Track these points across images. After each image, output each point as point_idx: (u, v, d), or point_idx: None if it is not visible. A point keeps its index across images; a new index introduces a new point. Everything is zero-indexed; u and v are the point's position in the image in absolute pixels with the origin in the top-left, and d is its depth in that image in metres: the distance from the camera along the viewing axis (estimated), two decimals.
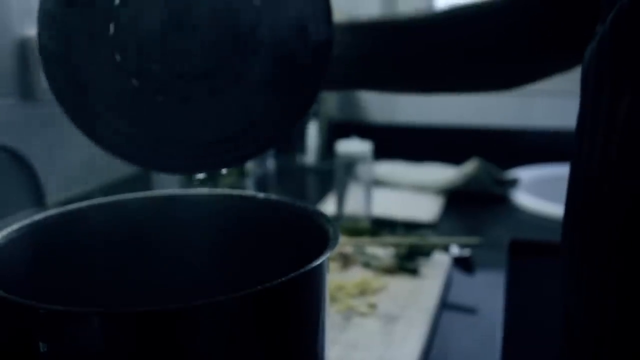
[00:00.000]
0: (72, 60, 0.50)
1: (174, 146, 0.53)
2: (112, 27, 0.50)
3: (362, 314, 0.80)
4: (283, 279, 0.38)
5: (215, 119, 0.53)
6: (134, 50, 0.51)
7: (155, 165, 0.54)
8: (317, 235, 0.46)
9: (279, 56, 0.51)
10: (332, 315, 0.79)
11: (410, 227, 1.14)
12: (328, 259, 0.42)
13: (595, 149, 0.48)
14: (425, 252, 0.96)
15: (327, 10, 0.51)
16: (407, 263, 0.94)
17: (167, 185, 1.11)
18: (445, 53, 0.68)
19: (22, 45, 0.97)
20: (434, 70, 0.70)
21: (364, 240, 1.00)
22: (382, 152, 1.44)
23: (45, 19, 0.48)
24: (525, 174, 1.47)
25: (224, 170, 1.15)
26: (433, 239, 1.01)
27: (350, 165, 1.14)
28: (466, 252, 0.98)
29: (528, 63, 0.69)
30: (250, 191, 1.14)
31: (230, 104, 0.52)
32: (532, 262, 1.16)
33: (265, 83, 0.52)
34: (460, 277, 0.96)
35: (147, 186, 1.17)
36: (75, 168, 1.03)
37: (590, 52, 0.50)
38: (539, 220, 1.26)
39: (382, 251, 0.98)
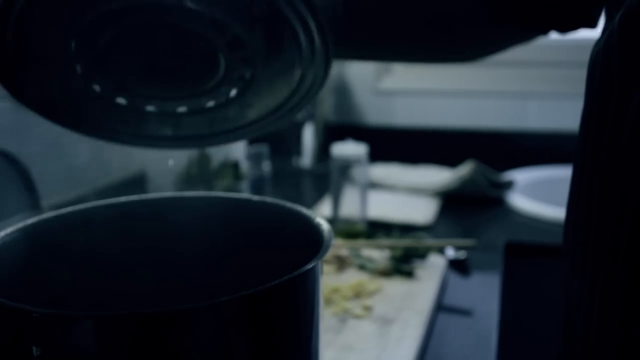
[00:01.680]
0: (30, 66, 0.47)
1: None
2: (73, 45, 0.47)
3: (358, 317, 0.80)
4: (276, 281, 0.38)
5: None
6: (97, 61, 0.48)
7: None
8: (312, 238, 0.46)
9: (275, 31, 0.47)
10: (327, 318, 0.79)
11: (406, 229, 1.14)
12: (322, 261, 0.42)
13: (602, 149, 0.48)
14: (420, 254, 0.96)
15: None
16: (402, 265, 0.94)
17: (163, 189, 1.11)
18: (409, 18, 0.67)
19: None
20: (397, 36, 0.68)
21: (360, 242, 1.01)
22: (378, 154, 1.44)
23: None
24: (520, 176, 1.47)
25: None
26: (428, 241, 1.01)
27: (345, 167, 1.14)
28: (462, 255, 0.98)
29: (492, 32, 0.68)
30: (245, 194, 1.14)
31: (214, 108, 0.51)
32: (528, 264, 1.16)
33: (260, 68, 0.49)
34: (455, 279, 0.96)
35: (143, 189, 1.17)
36: (70, 171, 1.03)
37: (597, 50, 0.50)
38: (534, 223, 1.27)
39: (377, 253, 0.98)
